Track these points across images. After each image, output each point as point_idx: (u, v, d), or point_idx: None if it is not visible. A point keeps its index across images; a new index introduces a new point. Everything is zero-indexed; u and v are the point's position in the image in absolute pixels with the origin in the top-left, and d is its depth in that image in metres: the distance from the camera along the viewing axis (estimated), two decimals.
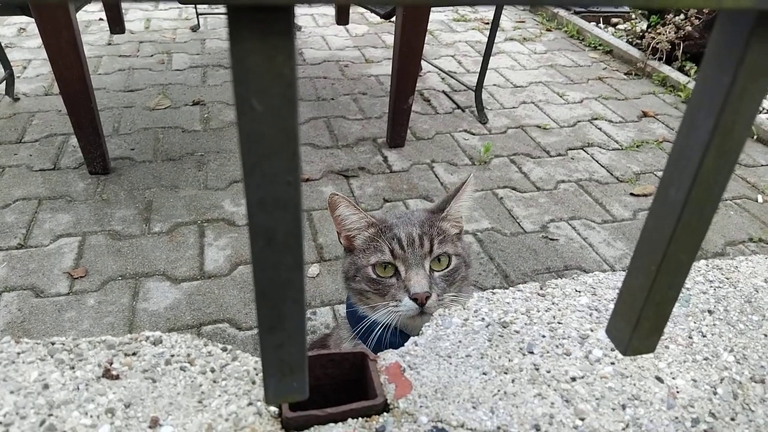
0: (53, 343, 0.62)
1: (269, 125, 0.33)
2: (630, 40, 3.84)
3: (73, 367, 0.59)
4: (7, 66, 2.75)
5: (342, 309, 1.68)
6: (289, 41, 0.31)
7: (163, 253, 1.88)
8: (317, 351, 0.64)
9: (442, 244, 0.97)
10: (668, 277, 0.44)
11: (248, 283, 1.78)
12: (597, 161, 2.55)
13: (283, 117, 0.33)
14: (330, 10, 4.23)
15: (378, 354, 0.67)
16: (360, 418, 0.57)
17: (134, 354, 0.61)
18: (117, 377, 0.59)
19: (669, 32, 3.37)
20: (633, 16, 4.24)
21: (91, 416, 0.55)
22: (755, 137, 2.71)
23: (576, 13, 4.32)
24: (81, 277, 1.76)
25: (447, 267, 0.98)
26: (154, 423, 0.54)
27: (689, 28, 3.32)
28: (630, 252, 1.99)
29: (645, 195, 2.32)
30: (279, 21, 0.30)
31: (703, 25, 3.30)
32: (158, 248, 1.90)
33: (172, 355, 0.61)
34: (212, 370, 0.60)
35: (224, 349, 0.62)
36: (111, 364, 0.60)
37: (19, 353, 0.61)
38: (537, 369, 0.65)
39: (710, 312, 0.76)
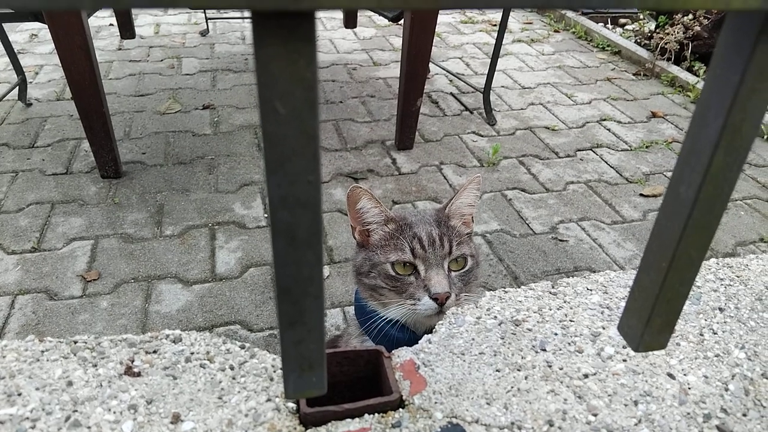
0: (76, 342, 0.63)
1: (291, 127, 0.35)
2: (638, 40, 3.84)
3: (95, 365, 0.61)
4: (20, 71, 2.78)
5: (352, 311, 1.69)
6: (311, 46, 0.32)
7: (175, 255, 1.90)
8: (332, 349, 0.65)
9: (460, 245, 0.98)
10: (679, 274, 0.45)
11: (259, 285, 1.79)
12: (606, 162, 2.55)
13: (304, 119, 0.35)
14: (338, 14, 4.25)
15: (392, 351, 0.68)
16: (376, 414, 0.58)
17: (155, 352, 0.62)
18: (138, 374, 0.60)
19: (677, 32, 3.37)
20: (641, 17, 4.23)
21: (114, 412, 0.56)
22: (765, 137, 2.70)
23: (584, 14, 4.32)
24: (94, 280, 1.78)
25: (464, 267, 0.99)
26: (176, 419, 0.56)
27: (698, 28, 3.31)
28: (640, 253, 1.99)
29: (655, 195, 2.32)
30: (301, 26, 0.31)
31: (711, 24, 3.29)
32: (170, 251, 1.92)
33: (192, 353, 0.62)
34: (231, 367, 0.61)
35: (242, 347, 0.63)
36: (132, 361, 0.61)
37: (43, 351, 0.62)
38: (550, 366, 0.66)
39: (721, 309, 0.76)
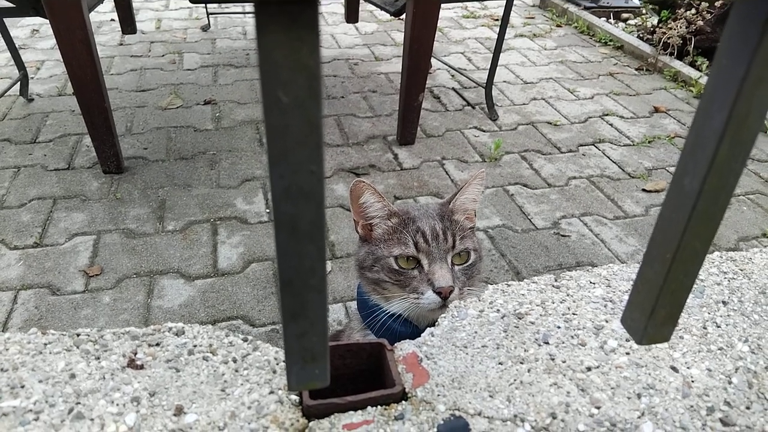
0: (78, 335, 0.63)
1: (294, 116, 0.34)
2: (641, 35, 3.82)
3: (98, 358, 0.61)
4: (21, 67, 2.78)
5: (354, 305, 1.69)
6: (314, 34, 0.32)
7: (177, 251, 1.90)
8: (335, 342, 0.65)
9: (464, 239, 0.98)
10: (683, 266, 0.45)
11: (261, 281, 1.79)
12: (608, 157, 2.55)
13: (307, 108, 0.34)
14: (339, 9, 4.24)
15: (395, 344, 0.68)
16: (379, 406, 0.58)
17: (158, 344, 0.62)
18: (141, 367, 0.60)
19: (680, 27, 3.36)
20: (644, 12, 4.22)
21: (117, 405, 0.56)
22: None
23: (586, 8, 4.30)
24: (96, 275, 1.79)
25: (467, 262, 0.99)
26: (179, 411, 0.56)
27: (701, 22, 3.30)
28: (642, 248, 1.98)
29: (657, 191, 2.31)
30: (304, 13, 0.31)
31: (714, 19, 3.28)
32: (172, 246, 1.92)
33: (195, 346, 0.62)
34: (234, 360, 0.61)
35: (245, 340, 0.63)
36: (135, 354, 0.61)
37: (45, 344, 0.62)
38: (552, 359, 0.66)
39: (724, 303, 0.76)
